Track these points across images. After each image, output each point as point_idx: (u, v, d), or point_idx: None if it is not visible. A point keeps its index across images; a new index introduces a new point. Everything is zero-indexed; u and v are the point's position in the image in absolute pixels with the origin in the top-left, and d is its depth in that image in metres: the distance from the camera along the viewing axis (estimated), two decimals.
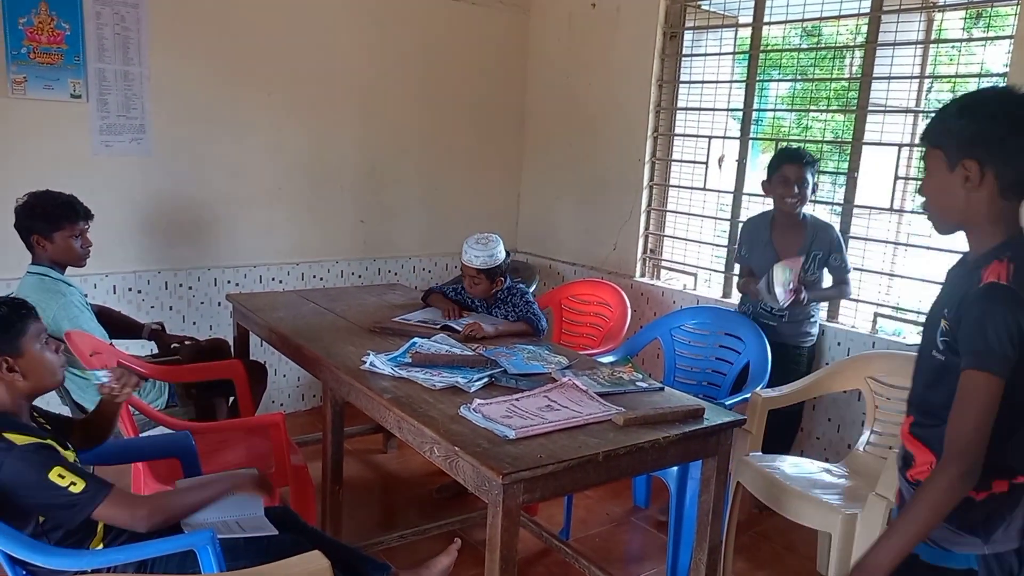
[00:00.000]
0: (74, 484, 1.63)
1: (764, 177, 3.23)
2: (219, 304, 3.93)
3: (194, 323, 3.90)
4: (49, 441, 1.75)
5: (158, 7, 3.55)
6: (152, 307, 3.77)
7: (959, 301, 1.47)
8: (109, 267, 3.56)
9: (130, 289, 3.68)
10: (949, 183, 1.48)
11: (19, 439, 1.67)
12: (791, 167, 3.08)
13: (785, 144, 3.44)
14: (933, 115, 1.52)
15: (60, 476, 1.62)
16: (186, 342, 3.14)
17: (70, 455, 1.76)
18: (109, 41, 3.46)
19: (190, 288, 3.88)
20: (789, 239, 3.17)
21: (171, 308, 3.83)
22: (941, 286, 1.63)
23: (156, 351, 3.30)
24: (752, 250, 3.27)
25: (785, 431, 3.24)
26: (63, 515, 1.67)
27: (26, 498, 1.64)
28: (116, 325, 3.11)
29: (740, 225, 3.79)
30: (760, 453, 2.79)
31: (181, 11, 3.62)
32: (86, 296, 3.02)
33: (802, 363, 3.21)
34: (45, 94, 3.34)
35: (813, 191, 3.15)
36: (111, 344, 2.83)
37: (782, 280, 2.98)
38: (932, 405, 1.53)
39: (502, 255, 3.06)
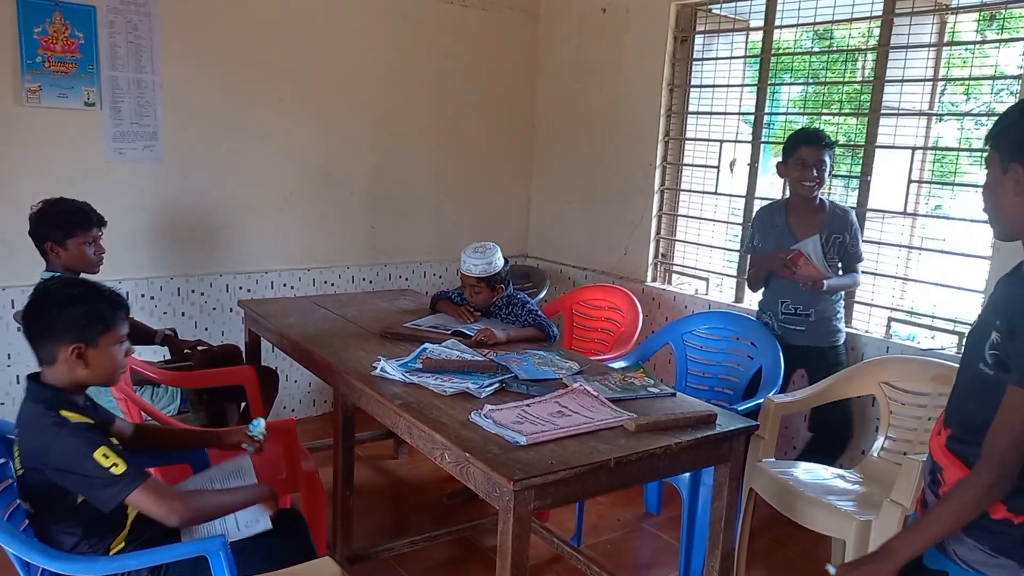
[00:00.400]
0: (116, 466, 1.67)
1: (780, 159, 3.13)
2: (231, 310, 3.94)
3: (206, 329, 3.92)
4: (97, 424, 1.81)
5: (171, 16, 3.58)
6: (165, 313, 3.79)
7: (1012, 312, 1.39)
8: (122, 273, 3.58)
9: (143, 295, 3.70)
10: (1001, 186, 1.48)
11: (73, 417, 1.73)
12: (809, 149, 2.98)
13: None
14: (998, 122, 1.51)
15: (104, 456, 1.67)
16: (199, 347, 3.15)
17: (113, 441, 1.81)
18: (122, 49, 3.48)
19: (202, 294, 3.89)
20: (807, 222, 3.08)
21: (183, 314, 3.85)
22: (989, 295, 1.54)
23: (168, 357, 3.32)
24: (766, 238, 3.18)
25: (834, 439, 3.16)
26: (101, 495, 1.70)
27: (70, 474, 1.69)
28: (129, 331, 3.12)
29: (746, 233, 3.77)
30: (773, 459, 2.77)
31: (193, 19, 3.64)
32: None
33: (842, 361, 3.12)
34: (59, 102, 3.37)
35: (830, 174, 3.07)
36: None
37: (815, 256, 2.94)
38: (975, 420, 1.44)
39: (500, 262, 3.04)
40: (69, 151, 3.44)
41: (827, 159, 3.01)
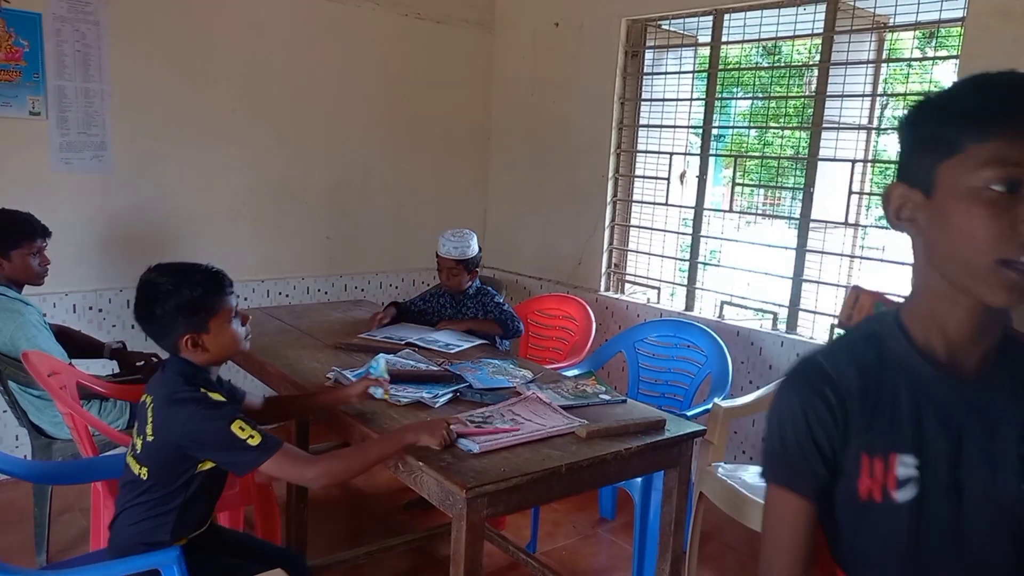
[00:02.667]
0: (252, 437, 1.73)
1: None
2: None
3: None
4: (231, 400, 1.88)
5: (119, 24, 3.53)
6: (114, 326, 3.72)
7: None
8: (69, 286, 3.51)
9: (91, 308, 3.63)
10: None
11: (212, 395, 1.80)
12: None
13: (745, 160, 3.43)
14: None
15: (240, 428, 1.73)
16: (152, 359, 3.11)
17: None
18: (69, 58, 3.43)
19: None
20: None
21: (133, 327, 3.77)
22: None
23: (117, 371, 3.26)
24: None
25: None
26: (238, 464, 1.77)
27: (207, 445, 1.75)
28: (77, 344, 3.07)
29: (702, 240, 3.86)
30: (723, 463, 2.83)
31: (143, 28, 3.60)
32: (45, 316, 2.98)
33: None
34: (3, 111, 3.30)
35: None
36: (70, 364, 2.79)
37: None
38: None
39: (476, 247, 3.21)
40: (13, 161, 3.37)
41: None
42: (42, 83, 3.37)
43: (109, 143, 3.59)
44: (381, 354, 2.22)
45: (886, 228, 3.45)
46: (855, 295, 2.30)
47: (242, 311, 1.93)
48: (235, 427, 1.73)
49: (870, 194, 3.37)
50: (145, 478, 1.80)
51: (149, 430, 1.78)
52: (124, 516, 1.86)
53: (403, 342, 2.91)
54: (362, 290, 4.50)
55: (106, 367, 3.38)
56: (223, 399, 1.81)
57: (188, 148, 3.81)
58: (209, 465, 1.81)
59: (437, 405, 2.24)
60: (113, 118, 3.58)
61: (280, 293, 4.20)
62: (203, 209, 3.90)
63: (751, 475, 2.83)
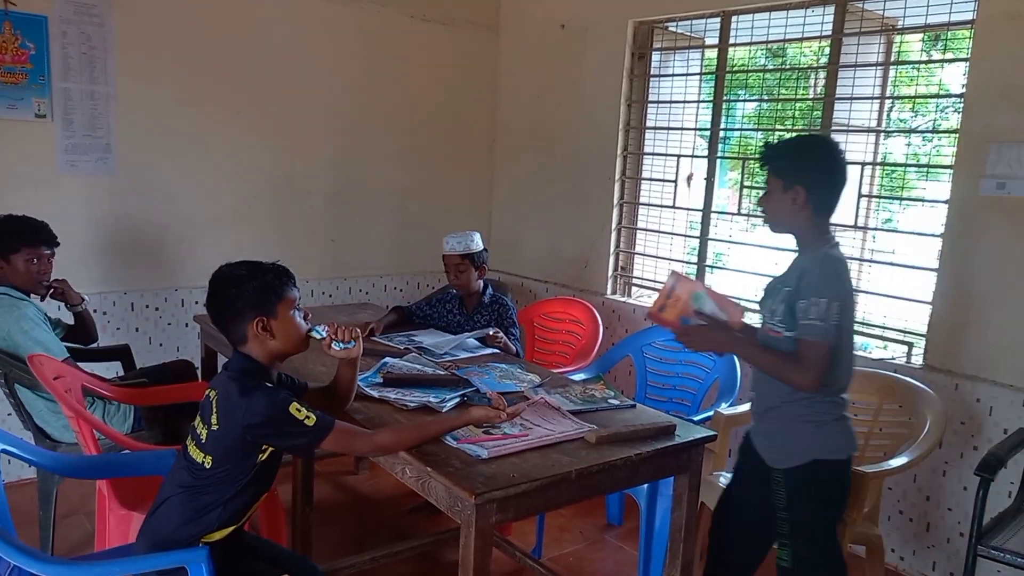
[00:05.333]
0: (308, 418, 1.83)
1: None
2: (186, 325, 3.88)
3: (161, 344, 3.85)
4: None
5: (125, 27, 3.53)
6: (118, 328, 3.71)
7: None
8: (73, 288, 3.49)
9: (95, 311, 3.61)
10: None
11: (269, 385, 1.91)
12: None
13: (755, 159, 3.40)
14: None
15: (297, 410, 1.82)
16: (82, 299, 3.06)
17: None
18: (75, 61, 3.42)
19: (156, 309, 3.82)
20: None
21: (137, 329, 3.77)
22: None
23: (122, 374, 3.25)
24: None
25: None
26: (299, 446, 1.89)
27: (269, 429, 1.82)
28: (83, 339, 3.09)
29: (709, 242, 3.84)
30: (725, 472, 2.81)
31: (148, 30, 3.60)
32: (47, 316, 2.98)
33: None
34: (9, 114, 3.29)
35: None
36: (70, 358, 2.78)
37: None
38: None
39: (480, 243, 3.18)
40: (19, 163, 3.36)
41: (770, 177, 2.22)
42: (48, 85, 3.37)
43: (114, 145, 3.58)
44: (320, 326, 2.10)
45: (896, 231, 3.43)
46: (671, 284, 2.24)
47: (304, 308, 2.03)
48: (292, 409, 1.82)
49: (879, 197, 3.35)
50: (209, 466, 1.85)
51: (215, 420, 1.85)
52: (169, 505, 1.90)
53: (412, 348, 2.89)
54: (366, 293, 4.48)
55: (109, 370, 3.37)
56: (278, 388, 1.92)
57: (193, 150, 3.80)
58: (266, 455, 1.89)
59: (444, 410, 2.22)
60: (118, 120, 3.57)
61: None
62: (207, 211, 3.89)
63: None
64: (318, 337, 2.05)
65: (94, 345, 3.21)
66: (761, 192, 2.20)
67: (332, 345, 2.08)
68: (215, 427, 1.85)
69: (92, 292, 3.59)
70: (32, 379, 2.57)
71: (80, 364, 2.90)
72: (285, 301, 1.94)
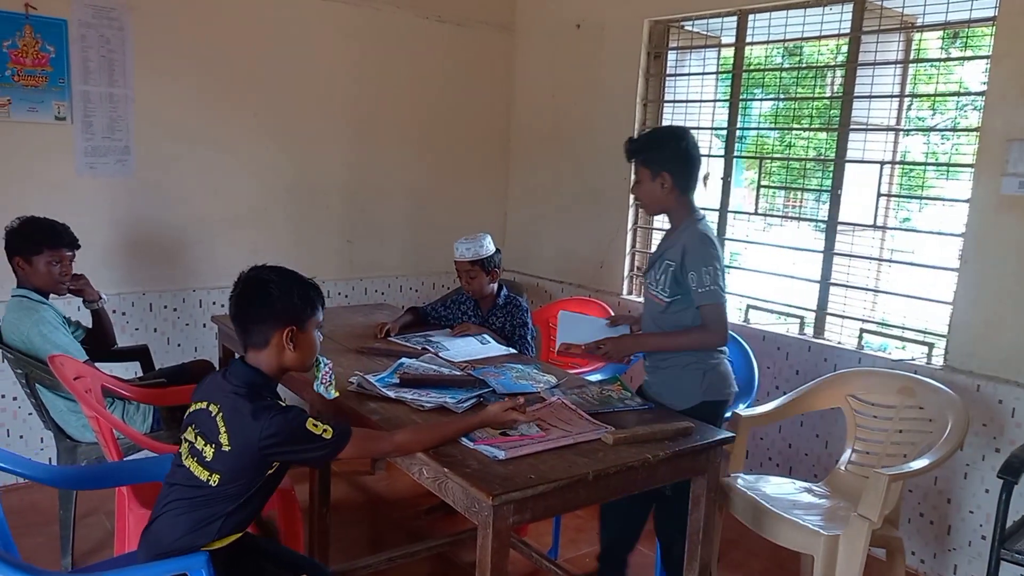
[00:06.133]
0: (326, 432, 1.85)
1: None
2: (204, 326, 3.90)
3: (179, 345, 3.87)
4: None
5: (143, 30, 3.56)
6: (137, 329, 3.74)
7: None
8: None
9: (114, 311, 3.64)
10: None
11: (279, 402, 1.90)
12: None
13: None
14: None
15: (314, 425, 1.84)
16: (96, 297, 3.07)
17: None
18: (94, 63, 3.45)
19: (175, 310, 3.85)
20: None
21: (156, 330, 3.80)
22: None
23: (140, 374, 3.28)
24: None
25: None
26: (317, 458, 1.90)
27: (285, 447, 1.82)
28: (100, 337, 3.12)
29: (726, 243, 3.82)
30: (743, 474, 2.79)
31: (166, 33, 3.62)
32: (68, 319, 3.00)
33: None
34: (29, 116, 3.33)
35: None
36: (89, 361, 2.81)
37: None
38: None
39: (491, 247, 3.16)
40: (39, 166, 3.39)
41: (639, 167, 2.50)
42: (67, 88, 3.40)
43: (132, 147, 3.60)
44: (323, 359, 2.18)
45: (915, 231, 3.40)
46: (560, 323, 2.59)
47: (322, 334, 2.07)
48: (309, 425, 1.83)
49: (898, 196, 3.32)
50: (215, 484, 1.83)
51: (224, 439, 1.81)
52: (169, 517, 1.87)
53: (420, 347, 2.89)
54: (382, 293, 4.49)
55: (128, 370, 3.40)
56: (289, 405, 1.90)
57: (210, 152, 3.83)
58: (274, 469, 1.88)
59: (461, 410, 2.22)
60: (137, 123, 3.60)
61: None
62: (225, 213, 3.91)
63: (773, 486, 2.79)
64: (320, 367, 2.12)
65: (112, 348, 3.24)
66: (634, 185, 2.50)
67: (317, 384, 2.16)
68: (226, 447, 1.80)
69: (111, 293, 3.62)
70: (53, 379, 2.59)
71: (99, 364, 2.92)
72: (314, 319, 1.96)
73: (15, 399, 3.42)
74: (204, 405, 1.87)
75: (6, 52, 3.24)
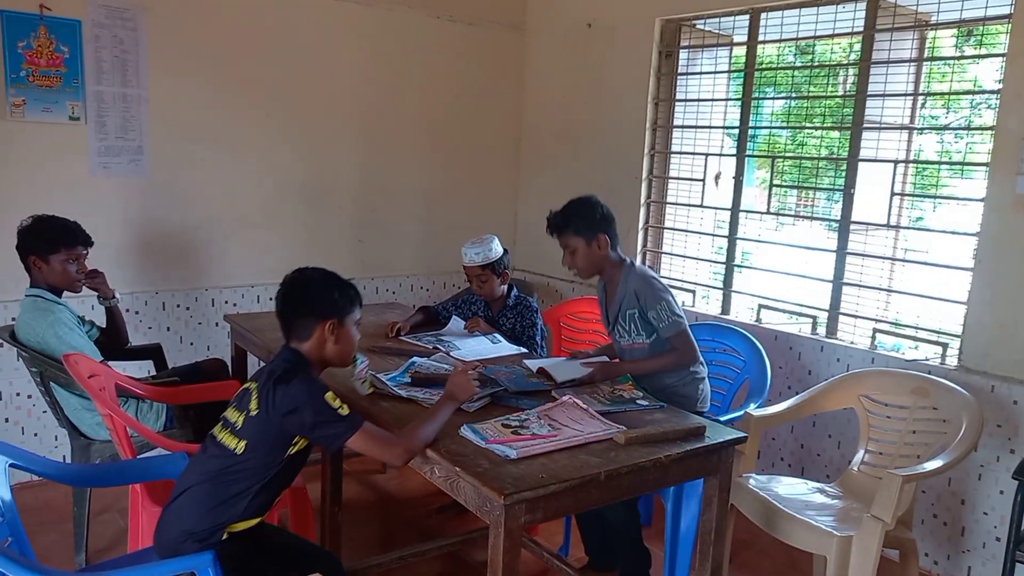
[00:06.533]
0: (341, 408, 1.91)
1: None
2: (216, 324, 3.92)
3: (192, 344, 3.89)
4: None
5: (157, 30, 3.57)
6: (150, 328, 3.76)
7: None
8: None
9: (127, 310, 3.66)
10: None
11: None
12: (557, 238, 2.71)
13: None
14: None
15: (332, 399, 1.92)
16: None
17: None
18: (108, 64, 3.47)
19: (187, 309, 3.87)
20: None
21: (168, 329, 3.82)
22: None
23: (154, 373, 3.29)
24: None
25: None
26: (328, 433, 1.92)
27: (303, 413, 1.89)
28: (113, 335, 3.14)
29: (738, 242, 3.81)
30: (755, 474, 2.78)
31: (180, 34, 3.64)
32: (82, 318, 3.02)
33: None
34: (44, 117, 3.35)
35: (591, 248, 2.66)
36: (104, 362, 2.82)
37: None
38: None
39: (499, 249, 3.16)
40: (53, 165, 3.42)
41: (573, 238, 2.65)
42: (81, 89, 3.42)
43: (146, 147, 3.62)
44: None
45: (928, 230, 3.37)
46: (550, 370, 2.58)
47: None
48: (328, 397, 1.91)
49: (912, 195, 3.30)
50: (241, 452, 1.92)
51: (253, 405, 1.93)
52: (194, 493, 1.94)
53: (430, 347, 2.90)
54: (393, 293, 4.50)
55: (141, 369, 3.42)
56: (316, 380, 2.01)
57: (222, 152, 3.84)
58: (297, 447, 1.95)
59: (472, 409, 2.22)
60: (150, 123, 3.62)
61: None
62: (237, 212, 3.93)
63: (785, 487, 2.78)
64: (357, 363, 2.29)
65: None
66: (569, 257, 2.66)
67: (352, 379, 2.32)
68: (254, 412, 1.92)
69: (124, 292, 3.64)
70: (67, 378, 2.61)
71: (112, 363, 2.94)
72: (354, 316, 2.11)
73: (30, 397, 3.44)
74: (248, 385, 2.00)
75: (21, 53, 3.26)
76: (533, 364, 2.63)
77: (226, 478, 1.93)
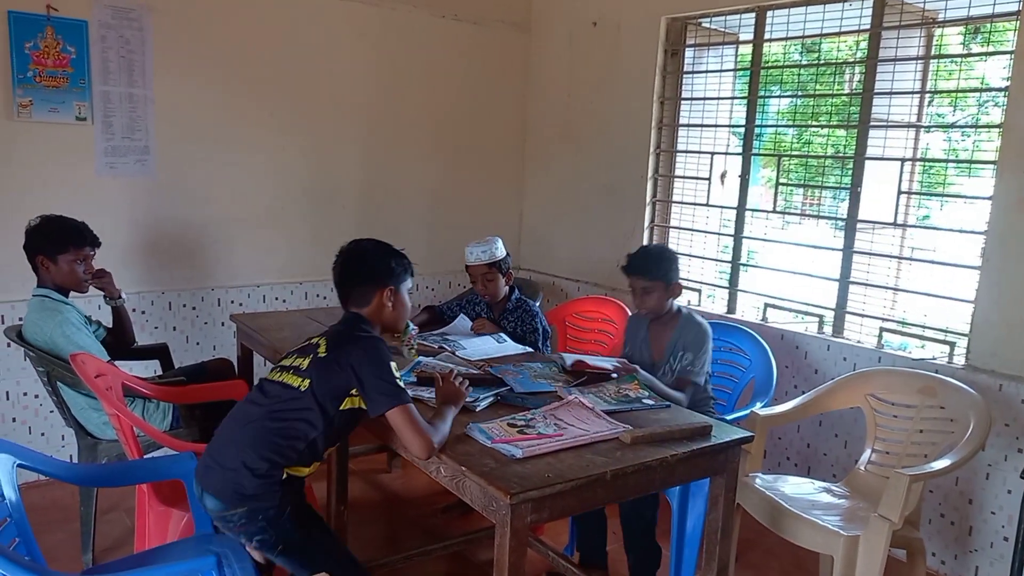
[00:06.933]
0: (398, 379, 2.00)
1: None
2: (223, 324, 3.93)
3: (198, 343, 3.90)
4: None
5: (163, 31, 3.58)
6: (156, 328, 3.77)
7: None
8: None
9: (133, 310, 3.67)
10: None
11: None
12: (632, 279, 2.85)
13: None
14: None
15: (394, 367, 2.02)
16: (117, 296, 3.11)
17: None
18: (114, 64, 3.48)
19: (194, 308, 3.88)
20: (661, 336, 2.92)
21: (175, 328, 3.83)
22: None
23: (160, 373, 3.30)
24: (633, 347, 3.00)
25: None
26: (378, 397, 1.98)
27: (368, 365, 1.99)
28: (120, 335, 3.15)
29: (744, 241, 3.80)
30: (761, 473, 2.77)
31: (186, 34, 3.65)
32: (89, 317, 3.03)
33: None
34: (50, 117, 3.36)
35: (667, 296, 2.85)
36: (111, 363, 2.83)
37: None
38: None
39: (503, 249, 3.15)
40: (60, 166, 3.43)
41: (653, 283, 2.81)
42: (88, 89, 3.43)
43: (152, 148, 3.63)
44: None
45: (935, 228, 3.36)
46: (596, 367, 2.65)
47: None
48: (392, 365, 2.01)
49: (919, 194, 3.28)
50: (304, 389, 2.01)
51: (322, 350, 2.06)
52: (250, 430, 2.02)
53: (436, 346, 2.90)
54: None
55: (148, 368, 3.43)
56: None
57: (229, 152, 3.85)
58: (349, 406, 2.02)
59: (478, 409, 2.22)
60: (156, 123, 3.62)
61: (318, 295, 4.22)
62: (243, 212, 3.94)
63: (791, 486, 2.77)
64: (409, 329, 2.50)
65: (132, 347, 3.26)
66: (644, 296, 2.82)
67: (401, 346, 2.54)
68: (322, 354, 2.04)
69: (130, 292, 3.65)
70: (74, 377, 2.61)
71: (119, 363, 2.94)
72: (407, 283, 2.25)
73: (36, 397, 3.46)
74: (314, 339, 2.12)
75: (28, 53, 3.27)
76: (569, 359, 2.66)
77: (287, 416, 2.00)
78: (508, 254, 3.21)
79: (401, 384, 1.99)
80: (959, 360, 3.01)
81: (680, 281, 2.88)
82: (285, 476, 2.01)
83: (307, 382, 2.01)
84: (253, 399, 2.11)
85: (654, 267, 2.81)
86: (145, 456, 2.59)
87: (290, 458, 2.00)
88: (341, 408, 2.02)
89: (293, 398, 2.01)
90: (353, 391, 2.01)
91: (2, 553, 1.66)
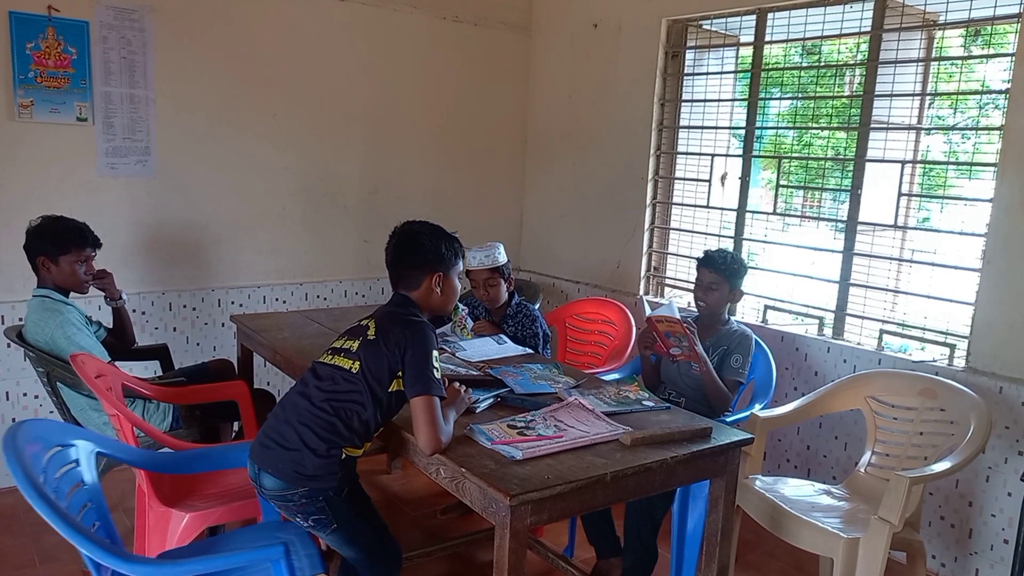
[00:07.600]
0: (436, 370, 2.01)
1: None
2: (223, 325, 3.93)
3: (198, 344, 3.90)
4: None
5: (164, 31, 3.59)
6: (156, 328, 3.77)
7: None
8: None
9: (134, 311, 3.68)
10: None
11: None
12: (704, 270, 2.99)
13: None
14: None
15: (436, 357, 2.03)
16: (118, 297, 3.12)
17: None
18: (115, 65, 3.49)
19: (194, 309, 3.88)
20: (704, 335, 2.96)
21: (175, 329, 3.83)
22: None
23: (160, 373, 3.30)
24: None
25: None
26: (416, 383, 1.98)
27: (413, 348, 2.01)
28: (120, 336, 3.15)
29: (744, 243, 3.80)
30: (760, 475, 2.77)
31: (187, 35, 3.65)
32: (89, 318, 3.03)
33: None
34: (51, 117, 3.37)
35: (731, 298, 3.01)
36: (112, 363, 2.83)
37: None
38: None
39: (504, 253, 3.14)
40: (61, 166, 3.43)
41: (722, 281, 2.94)
42: (89, 89, 3.43)
43: (153, 148, 3.64)
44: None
45: (935, 231, 3.36)
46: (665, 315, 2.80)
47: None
48: (435, 352, 2.03)
49: (919, 196, 3.28)
50: (356, 371, 2.03)
51: (371, 332, 2.07)
52: (308, 413, 2.03)
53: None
54: None
55: (148, 369, 3.43)
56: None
57: (230, 153, 3.85)
58: (396, 387, 2.03)
59: (479, 410, 2.22)
60: (157, 123, 3.63)
61: (318, 296, 4.22)
62: (243, 213, 3.94)
63: (791, 488, 2.77)
64: (459, 311, 2.56)
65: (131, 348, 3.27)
66: (707, 291, 2.96)
67: (452, 326, 2.70)
68: (371, 336, 2.05)
69: (131, 292, 3.65)
70: (74, 378, 2.62)
71: (119, 363, 2.94)
72: (457, 267, 2.24)
73: (36, 397, 3.46)
74: (363, 321, 2.14)
75: (29, 54, 3.27)
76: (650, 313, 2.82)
77: (341, 397, 2.02)
78: (508, 259, 3.21)
79: (438, 376, 2.00)
80: (959, 362, 3.01)
81: (743, 290, 3.03)
82: (344, 456, 2.04)
83: (357, 364, 2.03)
84: (307, 381, 2.11)
85: (728, 266, 2.94)
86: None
87: (347, 438, 2.03)
88: (390, 390, 2.03)
89: (345, 379, 2.03)
90: (400, 372, 2.03)
91: (88, 537, 1.69)
